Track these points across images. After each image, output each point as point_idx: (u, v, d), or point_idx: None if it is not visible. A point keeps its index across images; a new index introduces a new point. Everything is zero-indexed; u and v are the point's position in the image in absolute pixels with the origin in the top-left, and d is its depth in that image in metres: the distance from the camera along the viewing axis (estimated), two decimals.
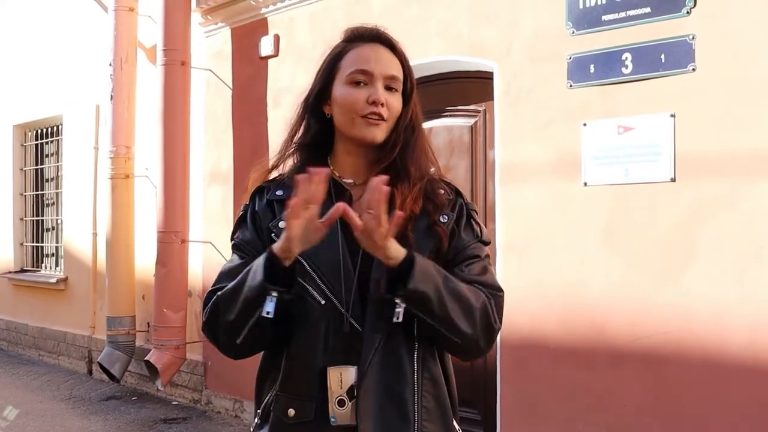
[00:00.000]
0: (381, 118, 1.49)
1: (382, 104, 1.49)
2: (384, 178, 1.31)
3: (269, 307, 1.34)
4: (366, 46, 1.53)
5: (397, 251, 1.36)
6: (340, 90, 1.52)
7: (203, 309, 1.51)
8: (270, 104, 5.44)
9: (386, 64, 1.52)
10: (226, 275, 1.51)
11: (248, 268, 1.41)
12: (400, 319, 1.37)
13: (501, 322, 1.51)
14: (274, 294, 1.34)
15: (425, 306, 1.37)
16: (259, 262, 1.38)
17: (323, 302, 1.45)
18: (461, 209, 1.57)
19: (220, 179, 5.85)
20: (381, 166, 1.51)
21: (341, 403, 1.42)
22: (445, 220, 1.52)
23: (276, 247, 1.35)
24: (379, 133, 1.51)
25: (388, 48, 1.54)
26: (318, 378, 1.44)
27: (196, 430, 5.52)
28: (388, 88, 1.52)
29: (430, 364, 1.50)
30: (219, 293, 1.46)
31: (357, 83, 1.50)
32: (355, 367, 1.43)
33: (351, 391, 1.42)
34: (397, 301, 1.36)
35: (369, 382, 1.42)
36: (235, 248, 1.57)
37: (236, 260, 1.54)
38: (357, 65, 1.51)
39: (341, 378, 1.42)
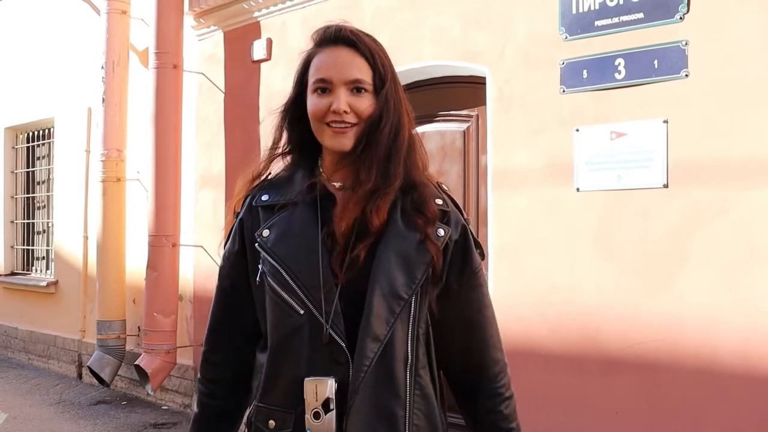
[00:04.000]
0: (345, 124, 1.44)
1: (346, 111, 1.44)
2: None
3: None
4: (326, 51, 1.49)
5: None
6: (308, 99, 1.50)
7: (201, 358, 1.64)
8: (262, 108, 5.42)
9: (346, 69, 1.46)
10: (211, 315, 1.62)
11: None
12: None
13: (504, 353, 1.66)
14: None
15: None
16: None
17: (302, 312, 1.41)
18: (464, 226, 1.52)
19: (212, 183, 5.82)
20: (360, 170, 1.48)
21: (317, 415, 1.38)
22: (442, 235, 1.45)
23: None
24: (347, 141, 1.45)
25: (351, 47, 1.48)
26: (296, 389, 1.40)
27: None
28: (357, 90, 1.46)
29: (422, 379, 1.46)
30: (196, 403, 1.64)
31: (322, 90, 1.47)
32: (332, 379, 1.38)
33: (326, 404, 1.37)
34: None
35: (360, 399, 1.38)
36: (220, 266, 1.61)
37: (218, 285, 1.61)
38: (317, 74, 1.48)
39: (317, 390, 1.38)
